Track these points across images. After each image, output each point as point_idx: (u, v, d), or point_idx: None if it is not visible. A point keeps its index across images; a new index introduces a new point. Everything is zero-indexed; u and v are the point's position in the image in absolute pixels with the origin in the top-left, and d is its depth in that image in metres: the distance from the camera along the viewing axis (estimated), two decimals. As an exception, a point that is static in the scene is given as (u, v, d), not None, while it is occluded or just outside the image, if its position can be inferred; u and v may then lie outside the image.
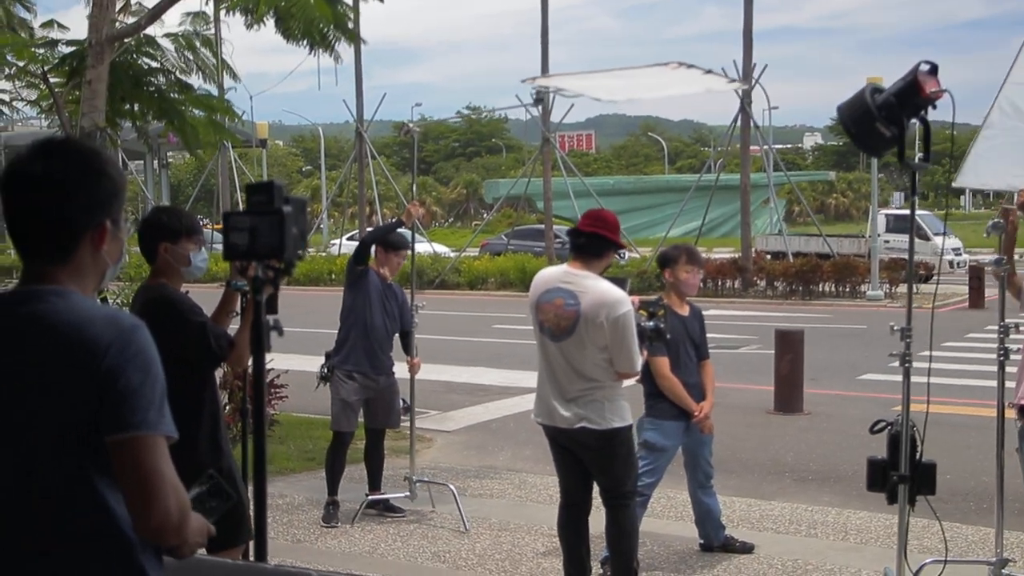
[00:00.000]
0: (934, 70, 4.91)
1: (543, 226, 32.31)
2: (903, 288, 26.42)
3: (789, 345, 11.82)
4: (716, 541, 6.76)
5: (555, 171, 33.42)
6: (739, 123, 27.25)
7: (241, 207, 5.00)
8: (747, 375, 13.99)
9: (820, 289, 26.28)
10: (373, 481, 7.70)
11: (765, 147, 33.48)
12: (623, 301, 5.36)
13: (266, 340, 2.60)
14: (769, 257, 28.67)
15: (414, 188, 8.18)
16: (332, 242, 41.25)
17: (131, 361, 2.14)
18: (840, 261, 25.89)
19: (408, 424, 8.00)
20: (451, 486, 7.61)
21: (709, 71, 6.31)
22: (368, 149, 34.42)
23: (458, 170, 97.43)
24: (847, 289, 25.92)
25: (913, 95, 4.88)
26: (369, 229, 7.48)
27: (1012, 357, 5.61)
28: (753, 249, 28.46)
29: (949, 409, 10.77)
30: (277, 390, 9.35)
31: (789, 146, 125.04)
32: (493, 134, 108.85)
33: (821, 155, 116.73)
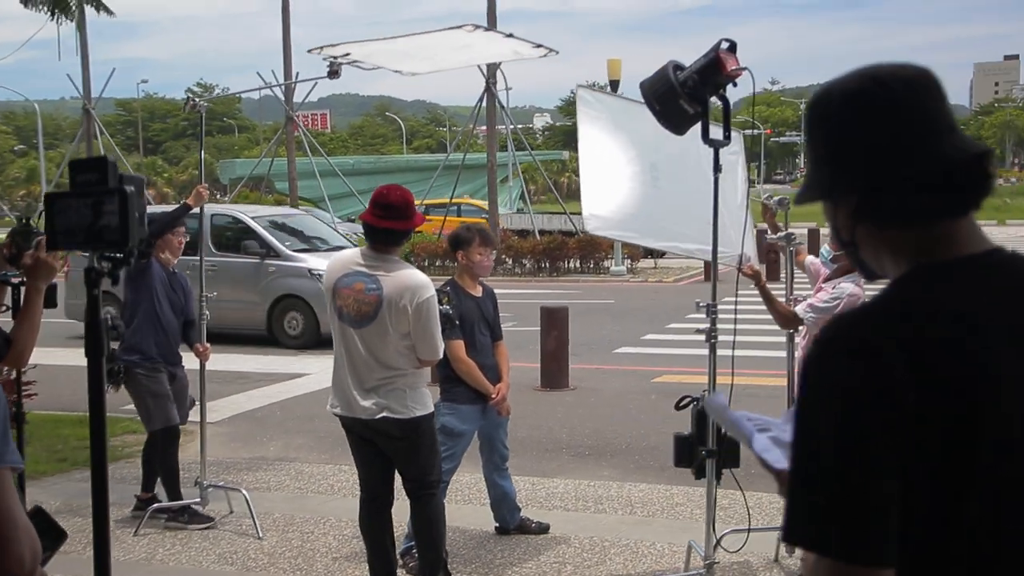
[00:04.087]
0: (733, 48, 4.98)
1: (287, 208, 31.49)
2: (644, 263, 27.49)
3: (555, 322, 11.96)
4: (512, 523, 6.70)
5: (297, 151, 32.67)
6: (484, 103, 27.45)
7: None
8: (510, 352, 14.06)
9: (566, 266, 26.94)
10: (149, 483, 7.17)
11: (510, 127, 33.91)
12: (427, 285, 5.17)
13: (106, 341, 2.25)
14: (515, 235, 29.10)
15: (202, 169, 7.64)
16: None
17: None
18: (584, 238, 26.55)
19: (212, 423, 7.47)
20: (244, 491, 7.15)
21: (510, 35, 6.16)
22: (97, 127, 32.48)
23: (188, 150, 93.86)
24: (592, 265, 26.69)
25: (715, 73, 4.93)
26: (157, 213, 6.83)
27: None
28: (499, 227, 28.80)
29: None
30: (27, 387, 8.57)
31: (521, 126, 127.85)
32: (225, 113, 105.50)
33: (551, 135, 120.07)
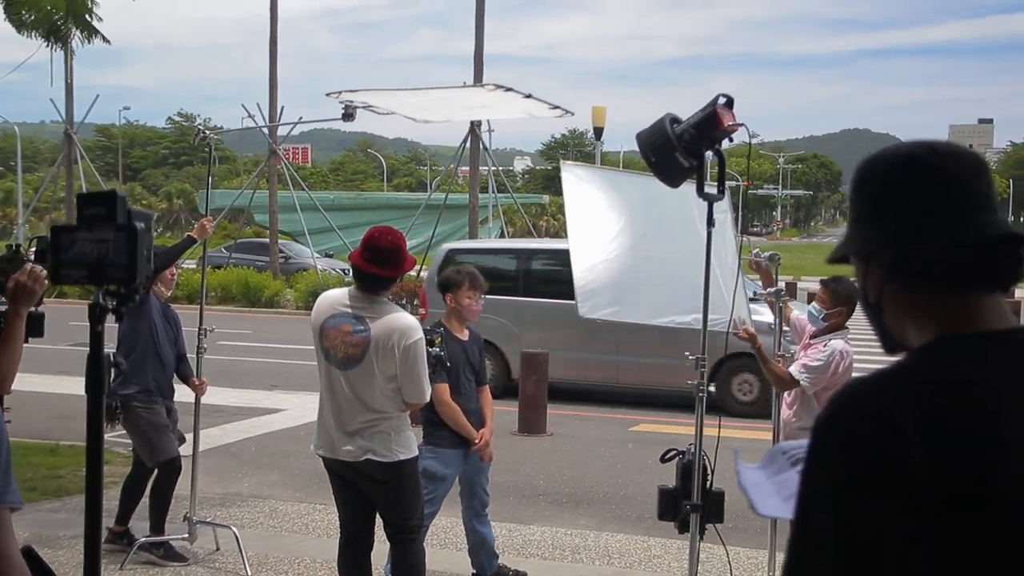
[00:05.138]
0: (730, 103, 4.99)
1: (266, 240, 31.43)
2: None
3: (534, 366, 11.94)
4: (489, 570, 6.63)
5: (279, 185, 32.63)
6: (468, 145, 27.55)
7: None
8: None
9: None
10: (125, 516, 7.05)
11: (492, 168, 34.01)
12: (415, 328, 5.14)
13: (106, 378, 2.20)
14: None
15: (208, 201, 7.60)
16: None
17: None
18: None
19: (191, 456, 7.36)
20: (233, 528, 7.05)
21: (529, 96, 6.20)
22: (78, 152, 32.34)
23: (168, 178, 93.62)
24: (569, 310, 26.68)
25: (711, 127, 4.93)
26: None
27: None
28: (478, 268, 28.81)
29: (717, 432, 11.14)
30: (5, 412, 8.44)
31: (501, 168, 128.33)
32: (204, 144, 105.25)
33: (531, 178, 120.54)
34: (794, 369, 5.67)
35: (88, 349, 2.16)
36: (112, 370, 2.22)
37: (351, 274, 5.30)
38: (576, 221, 5.91)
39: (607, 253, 5.83)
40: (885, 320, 1.72)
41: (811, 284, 6.94)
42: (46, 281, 3.78)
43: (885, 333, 1.74)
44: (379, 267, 5.12)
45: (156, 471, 6.91)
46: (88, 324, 2.16)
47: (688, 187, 5.13)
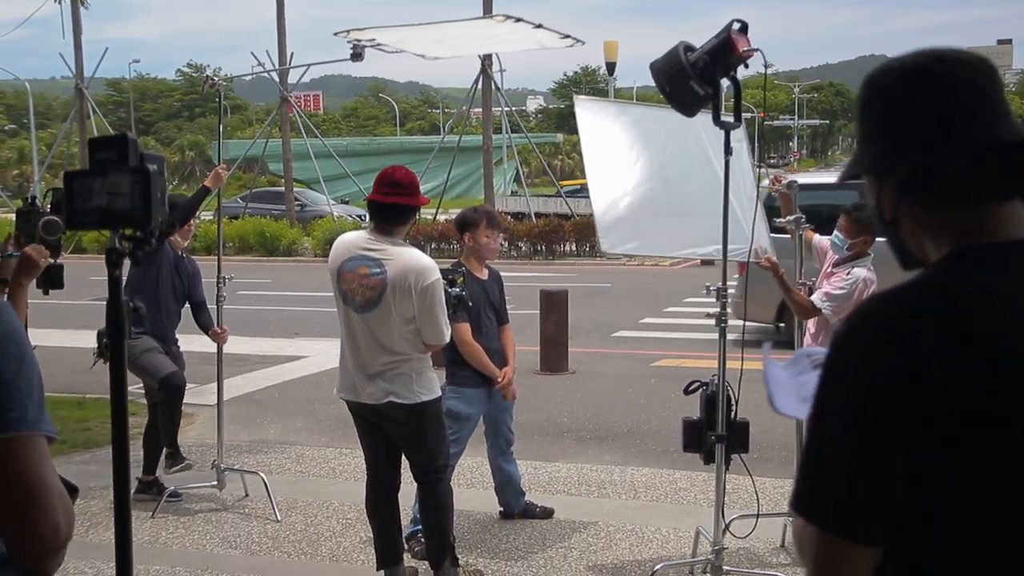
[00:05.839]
0: (744, 29, 4.90)
1: (281, 188, 31.43)
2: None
3: (554, 305, 11.92)
4: (516, 508, 6.67)
5: (291, 132, 32.53)
6: (480, 85, 27.35)
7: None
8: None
9: (562, 249, 26.87)
10: (151, 465, 7.12)
11: (504, 109, 33.81)
12: (432, 268, 5.11)
13: (127, 324, 2.19)
14: (510, 218, 29.05)
15: (219, 151, 7.59)
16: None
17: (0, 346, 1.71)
18: (580, 221, 26.47)
19: (216, 405, 7.40)
20: (262, 474, 7.10)
21: (539, 25, 6.10)
22: (90, 107, 32.28)
23: (180, 131, 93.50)
24: (588, 248, 26.61)
25: (726, 54, 4.84)
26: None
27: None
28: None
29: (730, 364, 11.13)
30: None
31: (514, 109, 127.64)
32: (214, 94, 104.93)
33: (544, 118, 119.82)
34: (816, 298, 5.63)
35: (108, 296, 2.14)
36: (132, 314, 2.21)
37: (367, 218, 5.27)
38: (593, 156, 5.84)
39: (625, 187, 5.76)
40: (902, 236, 1.69)
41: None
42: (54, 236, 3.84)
43: (902, 249, 1.71)
44: (399, 196, 5.10)
45: (152, 420, 6.99)
46: (106, 271, 2.14)
47: (703, 116, 5.05)
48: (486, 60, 26.56)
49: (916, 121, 1.59)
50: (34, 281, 4.01)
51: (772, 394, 2.62)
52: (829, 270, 5.82)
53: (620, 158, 5.88)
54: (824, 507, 1.50)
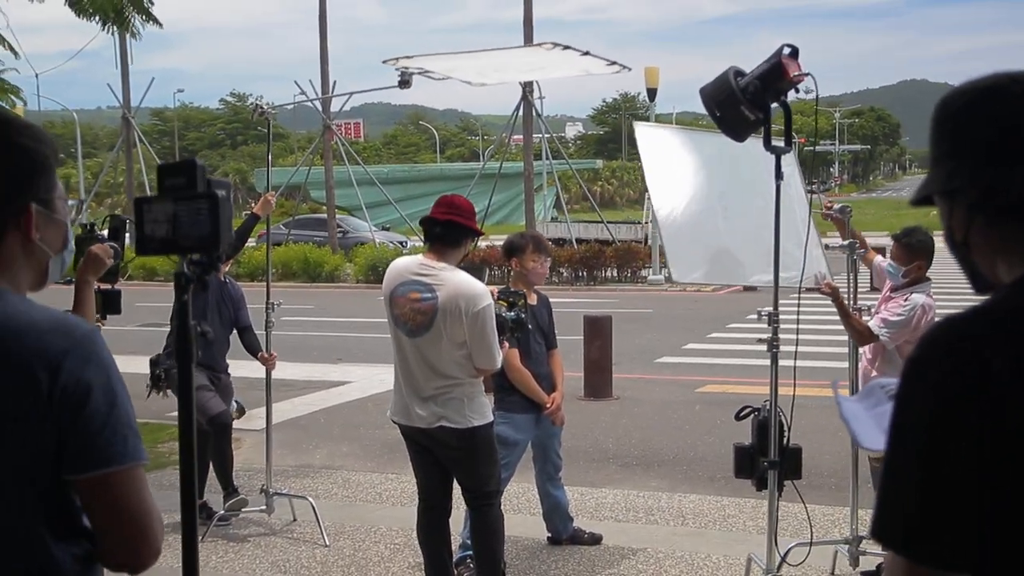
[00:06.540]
0: (795, 53, 4.89)
1: (323, 215, 31.63)
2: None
3: (598, 331, 11.89)
4: (565, 534, 6.64)
5: (333, 160, 32.79)
6: (521, 112, 27.45)
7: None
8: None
9: (604, 275, 26.83)
10: (200, 488, 7.17)
11: (544, 136, 33.90)
12: (484, 294, 5.10)
13: (195, 348, 2.21)
14: (551, 244, 29.05)
15: (268, 177, 7.68)
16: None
17: (95, 377, 1.73)
18: (622, 247, 26.44)
19: (264, 430, 7.44)
20: (310, 499, 7.14)
21: (586, 53, 6.12)
22: (137, 136, 32.72)
23: (224, 159, 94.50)
24: (628, 274, 26.57)
25: (777, 78, 4.84)
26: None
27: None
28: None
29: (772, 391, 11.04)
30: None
31: (554, 135, 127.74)
32: (260, 122, 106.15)
33: (584, 144, 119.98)
34: (874, 324, 5.57)
35: (176, 321, 2.16)
36: (199, 338, 2.22)
37: (408, 245, 5.32)
38: (657, 183, 5.82)
39: (689, 215, 5.75)
40: (973, 259, 1.67)
41: (874, 239, 6.83)
42: (113, 260, 3.88)
43: (974, 272, 1.69)
44: (456, 216, 5.13)
45: (200, 440, 7.05)
46: (173, 295, 2.16)
47: (755, 141, 5.04)
48: (527, 87, 26.66)
49: (990, 140, 1.58)
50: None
51: (855, 433, 2.58)
52: (887, 295, 5.76)
53: (683, 185, 5.87)
54: (904, 535, 1.48)
